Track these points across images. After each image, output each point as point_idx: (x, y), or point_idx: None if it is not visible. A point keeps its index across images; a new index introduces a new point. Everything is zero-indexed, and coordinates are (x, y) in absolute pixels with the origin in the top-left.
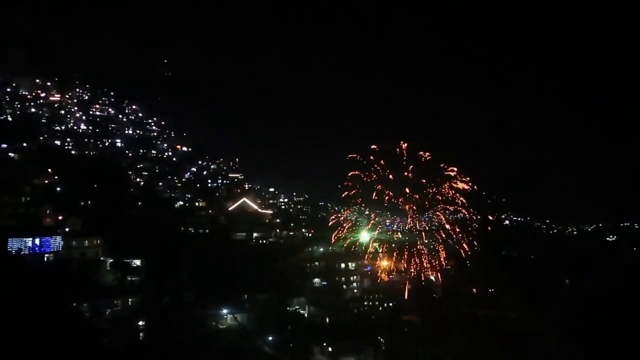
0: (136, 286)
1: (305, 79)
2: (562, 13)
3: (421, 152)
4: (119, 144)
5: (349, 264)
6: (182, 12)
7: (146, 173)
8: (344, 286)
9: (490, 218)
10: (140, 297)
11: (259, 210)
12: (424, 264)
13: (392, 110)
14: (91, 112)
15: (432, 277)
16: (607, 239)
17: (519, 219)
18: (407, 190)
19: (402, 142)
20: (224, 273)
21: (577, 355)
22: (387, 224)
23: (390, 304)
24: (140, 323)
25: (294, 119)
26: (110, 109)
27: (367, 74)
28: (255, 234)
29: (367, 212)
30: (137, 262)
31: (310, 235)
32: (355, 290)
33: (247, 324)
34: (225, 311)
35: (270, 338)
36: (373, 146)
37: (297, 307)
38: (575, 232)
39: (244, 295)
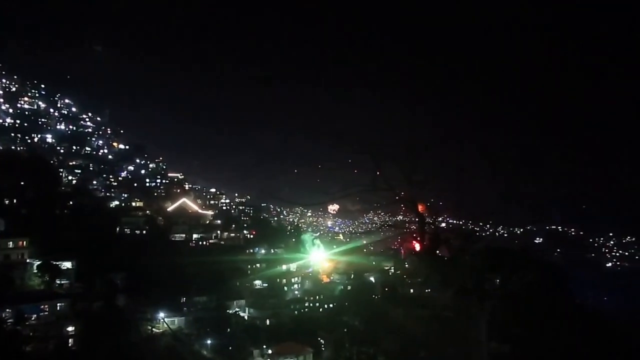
0: (65, 290)
1: (248, 77)
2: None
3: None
4: (49, 140)
5: (290, 265)
6: (120, 6)
7: (79, 171)
8: (285, 288)
9: (428, 220)
10: (70, 301)
11: (200, 211)
12: (366, 264)
13: (329, 111)
14: (19, 105)
15: (372, 278)
16: (534, 241)
17: (455, 221)
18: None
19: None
20: (161, 275)
21: (503, 350)
22: (329, 225)
23: (331, 305)
24: (70, 328)
25: (238, 121)
26: (40, 102)
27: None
28: (195, 235)
29: (309, 214)
30: (67, 265)
31: (251, 236)
32: (296, 292)
33: (184, 327)
34: (161, 314)
35: (208, 341)
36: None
37: (237, 309)
38: (505, 235)
39: (182, 298)
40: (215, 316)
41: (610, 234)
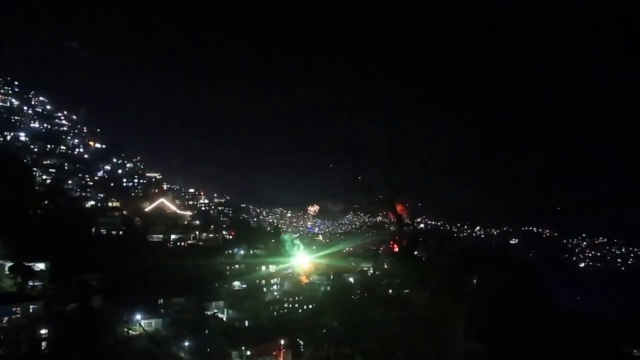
0: (39, 292)
1: (227, 77)
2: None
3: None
4: (23, 138)
5: (270, 266)
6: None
7: (54, 170)
8: (264, 289)
9: (406, 221)
10: (43, 303)
11: (178, 211)
12: (345, 265)
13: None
14: None
15: (351, 279)
16: (510, 241)
17: (433, 222)
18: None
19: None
20: (138, 276)
21: (479, 349)
22: (309, 226)
23: (310, 306)
24: (43, 331)
25: (217, 121)
26: (13, 100)
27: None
28: (173, 236)
29: (289, 215)
30: (41, 266)
31: (230, 237)
32: (275, 293)
33: (162, 328)
34: (138, 316)
35: (186, 343)
36: None
37: (216, 310)
38: (482, 235)
39: (159, 299)
40: (193, 318)
41: (584, 235)
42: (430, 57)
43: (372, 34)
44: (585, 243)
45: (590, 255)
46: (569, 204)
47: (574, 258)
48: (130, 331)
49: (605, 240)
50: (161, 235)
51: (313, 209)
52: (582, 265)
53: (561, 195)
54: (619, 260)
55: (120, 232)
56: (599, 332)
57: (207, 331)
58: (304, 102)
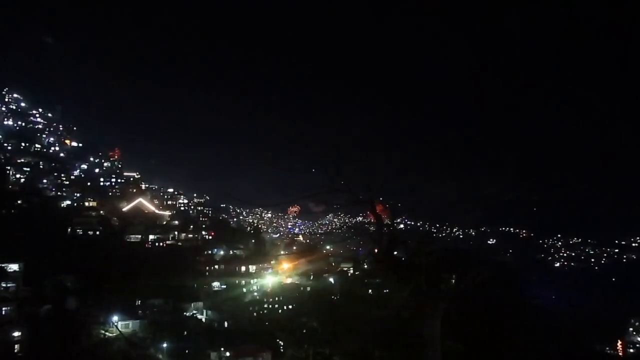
0: (12, 294)
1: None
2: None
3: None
4: None
5: (250, 266)
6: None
7: (28, 169)
8: (244, 289)
9: (386, 221)
10: (16, 305)
11: (156, 211)
12: (325, 265)
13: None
14: None
15: (331, 279)
16: (488, 242)
17: (413, 222)
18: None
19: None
20: (115, 277)
21: (457, 348)
22: (289, 226)
23: (290, 307)
24: (16, 334)
25: (196, 120)
26: None
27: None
28: (151, 236)
29: (269, 215)
30: (14, 267)
31: (210, 237)
32: (255, 293)
33: (139, 330)
34: (115, 318)
35: (164, 345)
36: None
37: (195, 311)
38: (461, 236)
39: (137, 301)
40: (171, 319)
41: (559, 235)
42: (407, 59)
43: (350, 36)
44: (560, 243)
45: (565, 255)
46: (545, 205)
47: (550, 258)
48: (106, 333)
49: (580, 240)
50: (139, 236)
51: (294, 209)
52: (557, 265)
53: (538, 196)
54: (593, 260)
55: (97, 233)
56: (574, 330)
57: (185, 332)
58: (283, 102)
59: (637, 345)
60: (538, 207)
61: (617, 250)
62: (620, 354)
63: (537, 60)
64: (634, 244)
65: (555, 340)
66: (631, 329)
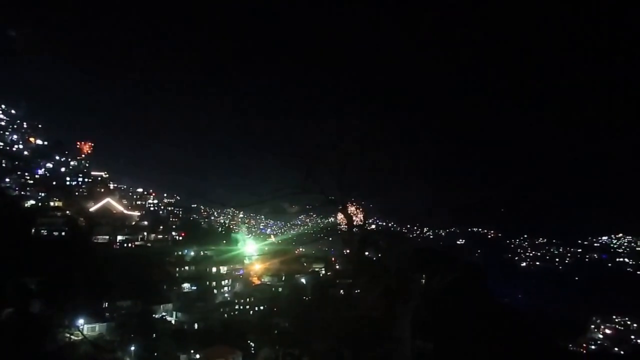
0: None
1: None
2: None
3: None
4: None
5: (221, 267)
6: None
7: None
8: (215, 290)
9: (357, 222)
10: None
11: (125, 211)
12: (297, 266)
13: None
14: None
15: (303, 280)
16: (457, 242)
17: (384, 223)
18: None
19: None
20: (81, 279)
21: (426, 347)
22: (261, 227)
23: (262, 308)
24: None
25: (166, 120)
26: None
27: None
28: (119, 237)
29: (241, 216)
30: None
31: (180, 238)
32: (226, 295)
33: (106, 333)
34: (81, 321)
35: (132, 348)
36: None
37: (164, 313)
38: (431, 236)
39: (104, 303)
40: (140, 321)
41: (525, 236)
42: (382, 60)
43: (325, 35)
44: (526, 243)
45: (531, 255)
46: (513, 206)
47: (516, 258)
48: (71, 337)
49: (545, 240)
50: (107, 237)
51: (267, 210)
52: (524, 264)
53: (505, 198)
54: (557, 260)
55: (63, 233)
56: (539, 328)
57: (154, 335)
58: (254, 102)
59: (599, 342)
60: (505, 209)
61: (580, 250)
62: (583, 350)
63: (497, 65)
64: (596, 244)
65: (521, 338)
66: (593, 326)
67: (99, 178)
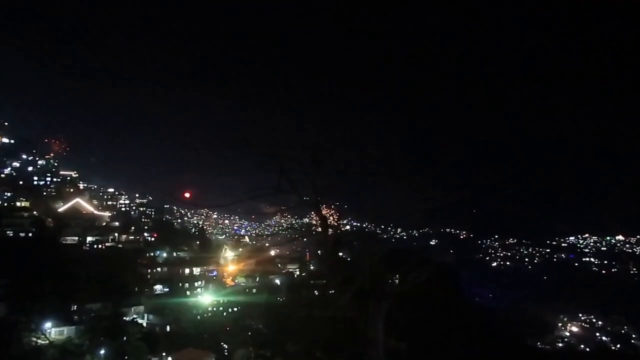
0: None
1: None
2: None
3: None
4: None
5: (194, 269)
6: None
7: None
8: (188, 292)
9: (332, 223)
10: None
11: (95, 212)
12: (271, 267)
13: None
14: None
15: (277, 281)
16: (430, 242)
17: (358, 224)
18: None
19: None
20: (48, 281)
21: (400, 347)
22: (235, 228)
23: (235, 309)
24: None
25: (138, 118)
26: None
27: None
28: (89, 238)
29: (214, 216)
30: None
31: (152, 239)
32: (199, 296)
33: (75, 336)
34: (48, 324)
35: (102, 351)
36: None
37: (135, 316)
38: (405, 237)
39: (73, 306)
40: (109, 324)
41: (496, 236)
42: (355, 62)
43: (299, 36)
44: (497, 244)
45: (501, 255)
46: (484, 207)
47: (487, 258)
48: (38, 341)
49: (515, 241)
50: (76, 238)
51: (240, 209)
52: (495, 264)
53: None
54: (527, 259)
55: (30, 234)
56: (509, 326)
57: (125, 338)
58: (227, 102)
59: (565, 340)
60: (477, 210)
61: (548, 250)
62: (551, 348)
63: (469, 68)
64: (563, 245)
65: (492, 337)
66: (560, 324)
67: (68, 178)
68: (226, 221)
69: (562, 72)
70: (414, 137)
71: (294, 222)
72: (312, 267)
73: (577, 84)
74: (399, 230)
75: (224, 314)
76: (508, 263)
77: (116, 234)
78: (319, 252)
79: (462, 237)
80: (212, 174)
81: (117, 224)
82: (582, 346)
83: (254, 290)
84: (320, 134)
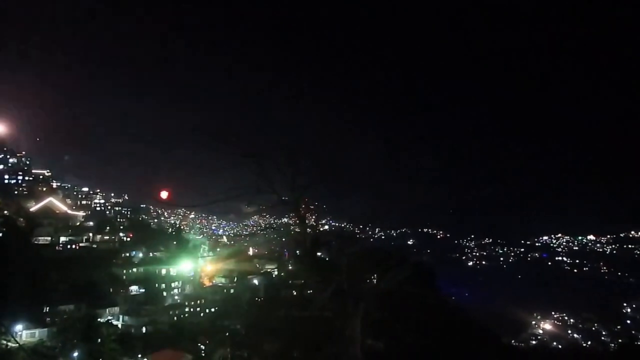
0: None
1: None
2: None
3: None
4: None
5: (171, 269)
6: None
7: None
8: (164, 293)
9: (310, 223)
10: None
11: (69, 211)
12: (250, 267)
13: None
14: None
15: (256, 281)
16: (408, 242)
17: (337, 224)
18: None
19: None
20: (19, 283)
21: (377, 346)
22: (213, 228)
23: (213, 309)
24: None
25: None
26: None
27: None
28: (62, 238)
29: (192, 216)
30: None
31: (128, 239)
32: (176, 297)
33: (47, 339)
34: (19, 327)
35: (75, 354)
36: None
37: (110, 317)
38: (383, 237)
39: (45, 307)
40: (83, 326)
41: (472, 236)
42: (335, 62)
43: (277, 35)
44: (473, 243)
45: (477, 254)
46: (460, 208)
47: (464, 257)
48: (8, 344)
49: (490, 240)
50: (49, 238)
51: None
52: (470, 263)
53: (454, 200)
54: (502, 259)
55: (0, 234)
56: (484, 324)
57: (99, 340)
58: (206, 101)
59: (539, 338)
60: (454, 210)
61: (522, 250)
62: (524, 345)
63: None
64: (537, 244)
65: (468, 335)
66: (534, 322)
67: (41, 176)
68: (204, 221)
69: (532, 73)
70: (392, 138)
71: (272, 222)
72: (290, 267)
73: (545, 87)
74: (377, 230)
75: (202, 314)
76: (484, 262)
77: (90, 234)
78: (297, 252)
79: (439, 237)
80: (189, 173)
81: (91, 223)
82: (555, 343)
83: (232, 291)
84: (299, 135)
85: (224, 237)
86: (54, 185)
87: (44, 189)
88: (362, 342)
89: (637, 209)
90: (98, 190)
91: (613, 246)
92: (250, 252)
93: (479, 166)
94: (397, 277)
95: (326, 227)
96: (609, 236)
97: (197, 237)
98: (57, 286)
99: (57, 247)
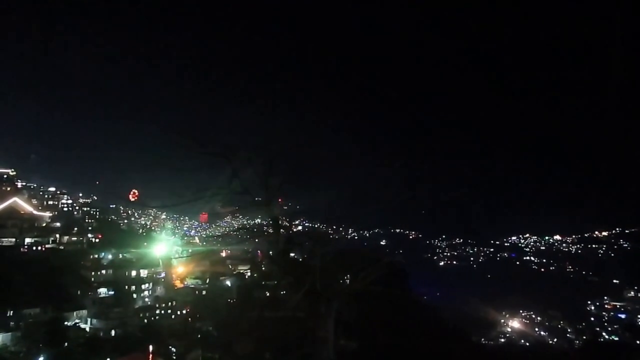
0: None
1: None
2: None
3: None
4: None
5: (141, 271)
6: None
7: None
8: (134, 295)
9: (284, 223)
10: None
11: (35, 212)
12: (222, 268)
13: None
14: None
15: (228, 282)
16: (380, 242)
17: (310, 224)
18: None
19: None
20: None
21: (350, 346)
22: (185, 229)
23: (184, 311)
24: None
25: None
26: None
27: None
28: (28, 240)
29: (163, 217)
30: None
31: (97, 240)
32: (146, 299)
33: (11, 343)
34: None
35: (40, 358)
36: None
37: (77, 320)
38: (356, 237)
39: (8, 311)
40: (49, 330)
41: (443, 236)
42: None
43: (250, 33)
44: (444, 244)
45: (448, 254)
46: (431, 209)
47: (435, 257)
48: None
49: (461, 241)
50: (13, 239)
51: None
52: (442, 263)
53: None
54: (472, 259)
55: None
56: (455, 323)
57: (66, 344)
58: (178, 98)
59: (507, 335)
60: (425, 211)
61: (492, 250)
62: (493, 343)
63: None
64: (506, 244)
65: (439, 334)
66: (502, 320)
67: (5, 176)
68: (175, 222)
69: (505, 77)
70: (364, 138)
71: (245, 222)
72: (263, 268)
73: (520, 89)
74: (350, 230)
75: (173, 316)
76: (455, 262)
77: (57, 235)
78: (270, 252)
79: (411, 237)
80: (161, 174)
81: (58, 224)
82: (523, 341)
83: (204, 292)
84: (272, 134)
85: (196, 238)
86: (19, 184)
87: (8, 188)
88: (335, 342)
89: (601, 210)
90: (65, 191)
91: (578, 246)
92: (223, 253)
93: (451, 168)
94: (370, 278)
95: (300, 227)
96: (574, 236)
97: (169, 238)
98: (22, 289)
99: (21, 249)
